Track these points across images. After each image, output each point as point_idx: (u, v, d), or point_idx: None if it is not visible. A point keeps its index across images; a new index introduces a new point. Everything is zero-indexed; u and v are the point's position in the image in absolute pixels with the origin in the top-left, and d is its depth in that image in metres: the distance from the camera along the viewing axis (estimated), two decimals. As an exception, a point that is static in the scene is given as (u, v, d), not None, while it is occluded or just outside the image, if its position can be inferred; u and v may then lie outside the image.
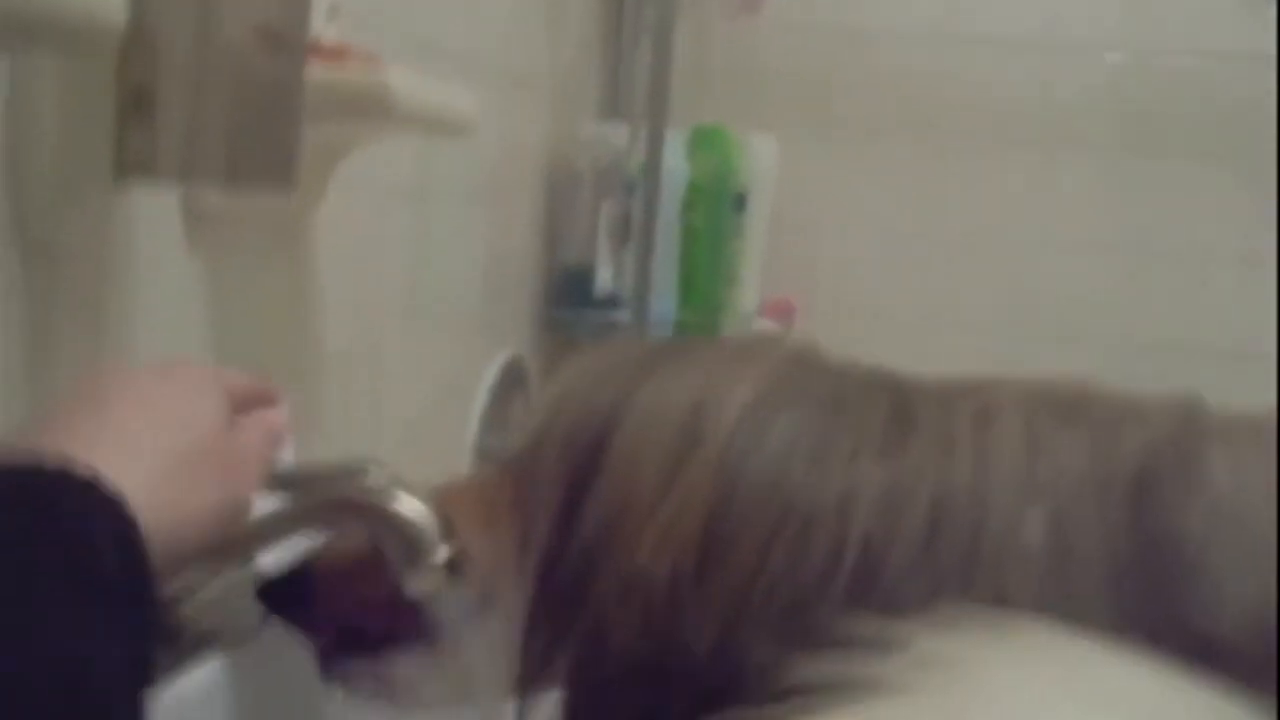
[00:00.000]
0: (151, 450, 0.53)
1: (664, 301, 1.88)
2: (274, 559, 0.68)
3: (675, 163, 1.86)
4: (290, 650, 0.74)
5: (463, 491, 0.64)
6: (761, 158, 1.99)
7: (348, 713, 0.75)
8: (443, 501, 0.60)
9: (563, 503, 0.54)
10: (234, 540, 0.67)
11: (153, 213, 0.81)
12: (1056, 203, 2.16)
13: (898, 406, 0.52)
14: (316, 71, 0.76)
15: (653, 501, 0.50)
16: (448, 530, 0.60)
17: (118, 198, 0.76)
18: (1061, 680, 0.35)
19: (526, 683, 0.56)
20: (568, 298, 1.86)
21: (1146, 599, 0.46)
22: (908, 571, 0.47)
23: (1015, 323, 2.17)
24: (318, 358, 1.12)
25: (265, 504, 0.64)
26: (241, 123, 0.71)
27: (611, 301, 1.84)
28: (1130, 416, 0.51)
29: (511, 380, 1.69)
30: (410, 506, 0.60)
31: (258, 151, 0.70)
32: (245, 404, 0.61)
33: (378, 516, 0.60)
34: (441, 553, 0.60)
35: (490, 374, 1.64)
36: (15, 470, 0.46)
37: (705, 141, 1.93)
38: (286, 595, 0.66)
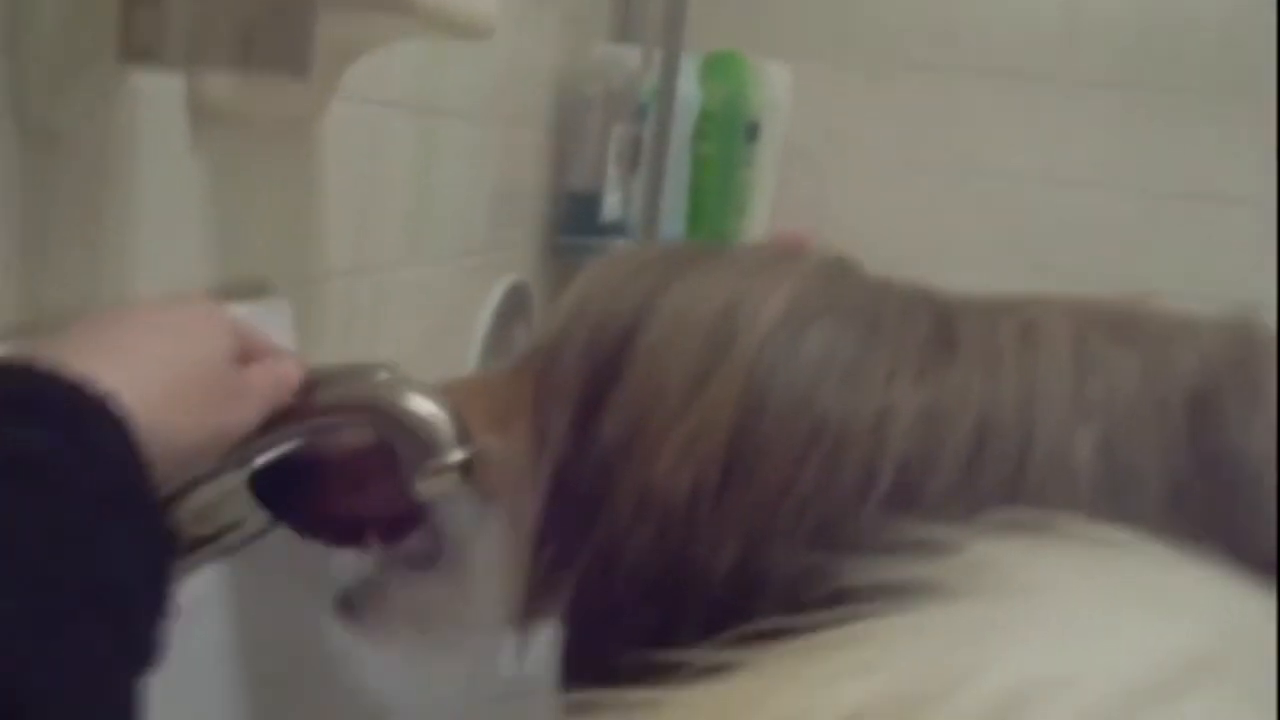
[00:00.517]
0: (146, 363, 0.51)
1: (672, 230, 1.85)
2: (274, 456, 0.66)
3: (688, 89, 1.82)
4: (294, 560, 0.73)
5: (474, 390, 0.61)
6: (775, 86, 1.96)
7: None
8: (453, 399, 0.58)
9: (581, 406, 0.51)
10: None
11: (159, 105, 0.78)
12: (1076, 139, 2.13)
13: (938, 324, 0.50)
14: (331, -42, 0.73)
15: (676, 410, 0.48)
16: (462, 432, 0.58)
17: (122, 84, 0.73)
18: (1124, 584, 0.34)
19: (531, 595, 0.54)
20: (574, 224, 1.82)
21: (1204, 521, 0.44)
22: (946, 495, 0.45)
23: (1027, 259, 2.14)
24: (319, 270, 1.09)
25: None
26: (254, 9, 0.68)
27: (618, 229, 1.81)
28: (1183, 333, 0.49)
29: (515, 306, 1.67)
30: (423, 406, 0.58)
31: (272, 37, 0.67)
32: (259, 353, 0.60)
33: (390, 417, 0.58)
34: (455, 455, 0.57)
35: (494, 299, 1.61)
36: (3, 369, 0.46)
37: (719, 68, 1.90)
38: (278, 487, 0.63)
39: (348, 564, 0.67)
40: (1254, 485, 0.44)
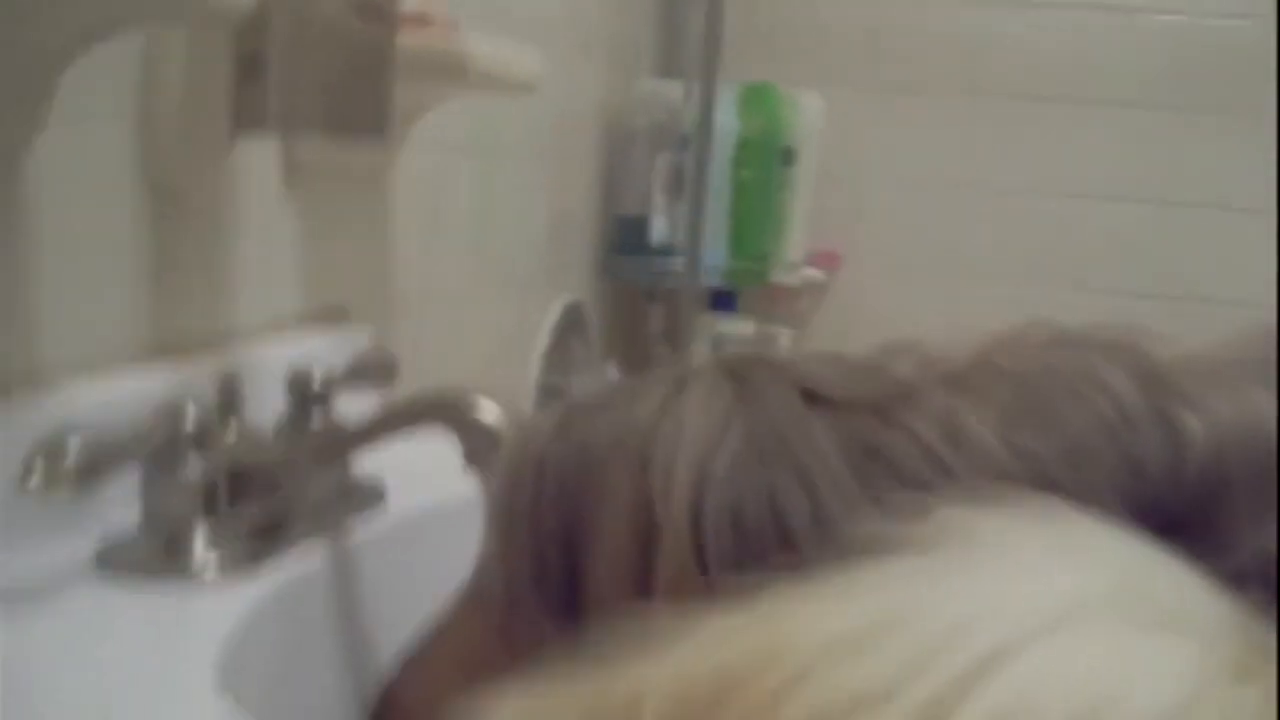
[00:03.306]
0: None
1: (715, 251, 1.97)
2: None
3: (727, 119, 1.94)
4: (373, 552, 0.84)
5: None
6: (809, 114, 2.07)
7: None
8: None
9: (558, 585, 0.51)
10: (337, 441, 0.79)
11: (259, 163, 0.92)
12: (1092, 158, 2.22)
13: (854, 445, 0.48)
14: (403, 37, 0.87)
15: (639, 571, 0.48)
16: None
17: (231, 150, 0.87)
18: (1042, 539, 0.39)
19: None
20: (624, 247, 1.95)
21: None
22: None
23: (1049, 272, 2.24)
24: (395, 298, 1.22)
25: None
26: (340, 82, 0.82)
27: (665, 250, 1.93)
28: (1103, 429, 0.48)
29: (571, 323, 1.79)
30: (488, 406, 0.71)
31: (356, 107, 0.81)
32: None
33: (459, 414, 0.71)
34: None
35: (551, 317, 1.74)
36: None
37: (755, 99, 2.01)
38: None
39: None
40: None
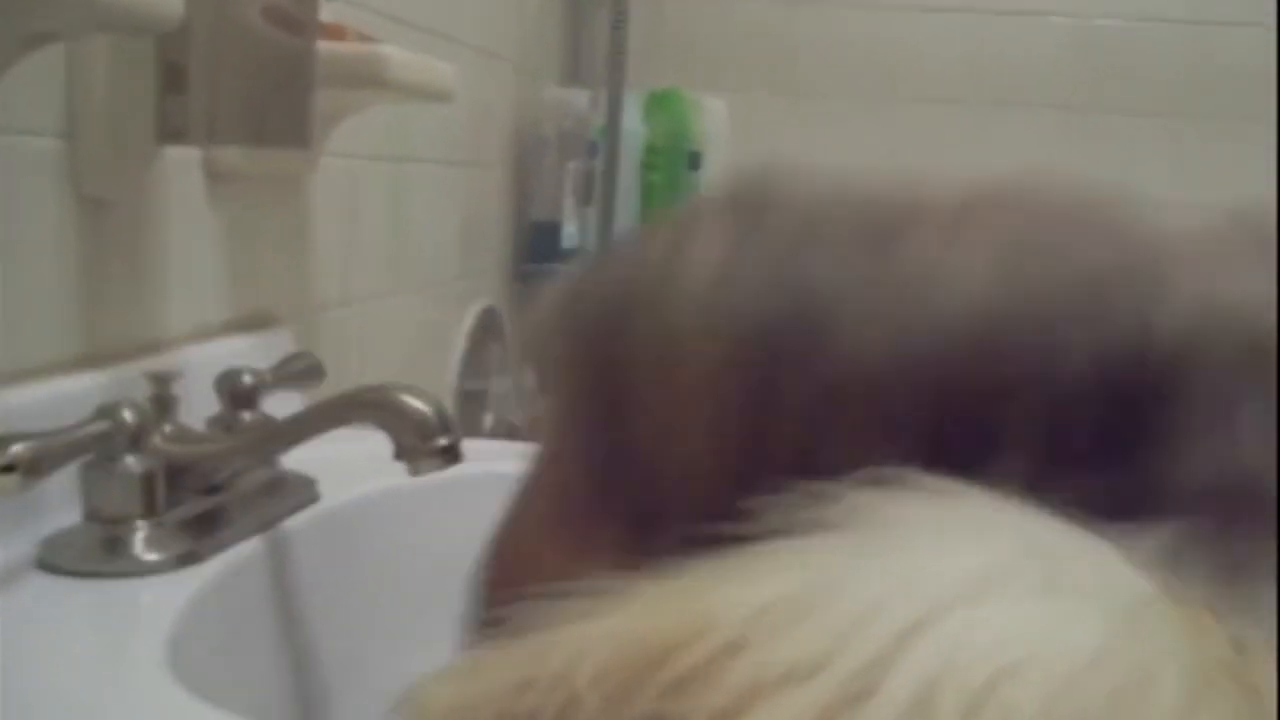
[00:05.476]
0: None
1: (626, 255, 2.00)
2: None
3: (633, 124, 1.99)
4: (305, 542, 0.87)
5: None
6: (714, 118, 2.11)
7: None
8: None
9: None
10: (270, 437, 0.81)
11: (184, 172, 0.94)
12: (998, 159, 2.21)
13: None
14: (320, 47, 0.90)
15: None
16: (446, 422, 0.74)
17: (156, 159, 0.89)
18: (950, 519, 0.41)
19: None
20: (537, 252, 1.99)
21: None
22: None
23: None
24: (315, 302, 1.25)
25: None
26: (261, 92, 0.85)
27: (577, 255, 1.97)
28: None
29: (486, 328, 1.83)
30: (416, 401, 0.74)
31: (277, 115, 0.84)
32: None
33: (389, 409, 0.74)
34: (442, 440, 0.74)
35: (467, 323, 1.77)
36: None
37: (661, 104, 2.06)
38: None
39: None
40: None
